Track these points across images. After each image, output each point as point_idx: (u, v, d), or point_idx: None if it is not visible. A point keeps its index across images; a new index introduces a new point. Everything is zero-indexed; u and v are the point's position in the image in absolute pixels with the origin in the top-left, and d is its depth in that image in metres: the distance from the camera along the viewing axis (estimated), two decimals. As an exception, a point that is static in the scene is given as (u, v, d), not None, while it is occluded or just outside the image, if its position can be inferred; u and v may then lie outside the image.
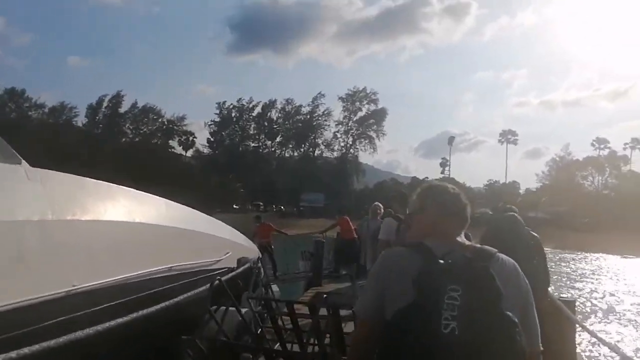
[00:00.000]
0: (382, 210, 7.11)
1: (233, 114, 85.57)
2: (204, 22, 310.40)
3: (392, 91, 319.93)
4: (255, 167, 79.88)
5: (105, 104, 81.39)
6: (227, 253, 4.79)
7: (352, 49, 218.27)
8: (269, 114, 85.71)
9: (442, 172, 66.97)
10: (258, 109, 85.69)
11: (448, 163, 58.35)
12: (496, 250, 1.51)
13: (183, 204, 4.90)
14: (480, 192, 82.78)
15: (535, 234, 4.76)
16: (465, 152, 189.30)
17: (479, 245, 1.54)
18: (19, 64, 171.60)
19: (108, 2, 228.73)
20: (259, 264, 5.94)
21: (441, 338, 1.27)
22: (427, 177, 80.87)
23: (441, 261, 1.41)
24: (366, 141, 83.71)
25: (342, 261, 10.24)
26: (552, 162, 79.43)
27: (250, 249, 6.92)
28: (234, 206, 70.36)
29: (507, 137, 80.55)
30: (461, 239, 1.56)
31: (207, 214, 5.87)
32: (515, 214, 4.77)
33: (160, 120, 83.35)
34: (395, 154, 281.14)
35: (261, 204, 74.55)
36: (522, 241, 4.47)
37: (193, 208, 5.09)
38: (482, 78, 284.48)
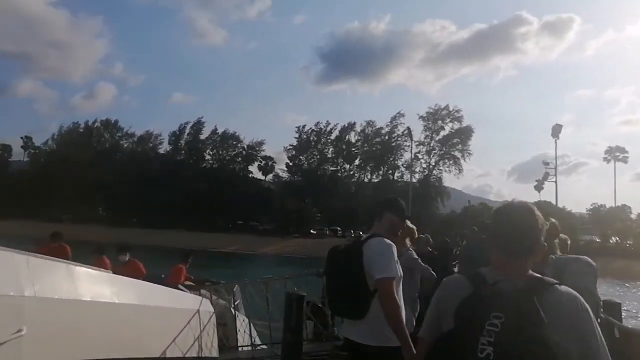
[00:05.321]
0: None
1: (312, 138, 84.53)
2: (296, 53, 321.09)
3: (484, 114, 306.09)
4: (333, 191, 77.58)
5: (187, 131, 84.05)
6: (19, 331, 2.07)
7: (441, 73, 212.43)
8: (347, 137, 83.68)
9: (540, 190, 60.13)
10: (336, 132, 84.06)
11: (553, 177, 51.99)
12: (558, 282, 1.50)
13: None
14: (582, 217, 74.16)
15: None
16: (564, 176, 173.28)
17: (538, 276, 1.53)
18: (131, 101, 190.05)
19: (212, 43, 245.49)
20: None
21: None
22: (519, 201, 74.02)
23: (488, 290, 1.46)
24: (450, 162, 78.61)
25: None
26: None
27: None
28: (311, 231, 68.27)
29: (615, 154, 71.01)
30: (524, 268, 1.55)
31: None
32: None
33: (239, 145, 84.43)
34: (486, 178, 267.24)
35: (339, 228, 72.04)
36: None
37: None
38: (581, 97, 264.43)
